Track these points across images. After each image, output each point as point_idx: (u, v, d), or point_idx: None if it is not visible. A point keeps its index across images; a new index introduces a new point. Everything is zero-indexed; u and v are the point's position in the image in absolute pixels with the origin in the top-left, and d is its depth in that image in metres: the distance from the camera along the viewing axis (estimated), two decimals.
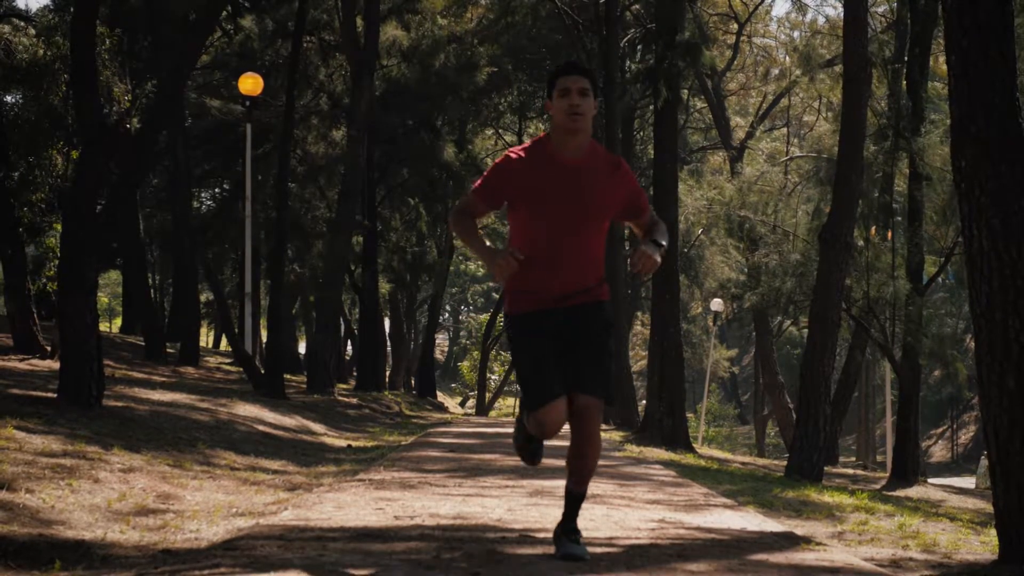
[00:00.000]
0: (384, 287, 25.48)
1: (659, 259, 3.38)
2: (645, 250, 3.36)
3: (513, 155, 3.48)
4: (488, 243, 3.60)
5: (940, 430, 40.57)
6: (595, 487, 5.96)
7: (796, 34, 31.84)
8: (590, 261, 3.49)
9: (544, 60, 24.89)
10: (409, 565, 3.18)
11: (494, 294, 49.89)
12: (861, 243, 12.95)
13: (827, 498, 6.71)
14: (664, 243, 3.47)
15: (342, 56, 20.25)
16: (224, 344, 30.35)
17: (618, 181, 3.48)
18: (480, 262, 3.51)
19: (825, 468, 11.37)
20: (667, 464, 9.11)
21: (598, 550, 3.62)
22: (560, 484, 6.34)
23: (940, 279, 18.39)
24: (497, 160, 3.53)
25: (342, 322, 23.72)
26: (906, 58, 13.74)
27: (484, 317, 39.90)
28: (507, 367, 34.80)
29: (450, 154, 22.66)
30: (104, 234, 15.71)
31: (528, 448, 3.64)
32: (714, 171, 29.89)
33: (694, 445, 15.68)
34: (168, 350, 16.55)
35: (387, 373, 26.04)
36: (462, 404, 39.39)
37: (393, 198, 24.49)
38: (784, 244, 15.19)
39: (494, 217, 31.98)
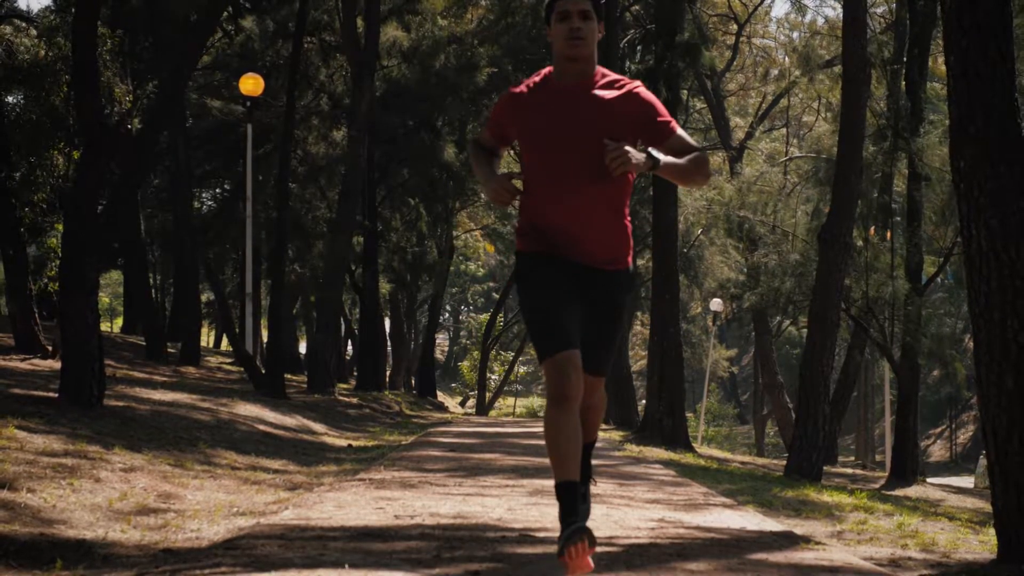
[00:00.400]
0: (384, 287, 25.48)
1: (636, 161, 2.89)
2: (628, 146, 2.91)
3: (515, 88, 3.27)
4: (493, 169, 3.28)
5: (939, 430, 40.57)
6: (594, 487, 5.98)
7: (795, 35, 31.85)
8: (604, 208, 3.08)
9: (544, 61, 24.93)
10: (410, 564, 3.20)
11: (494, 294, 49.90)
12: (860, 243, 12.98)
13: (826, 497, 6.72)
14: (661, 159, 2.96)
15: (343, 57, 20.26)
16: (225, 344, 30.36)
17: (625, 101, 3.06)
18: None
19: (824, 468, 11.38)
20: (667, 464, 9.12)
21: (598, 549, 3.63)
22: None
23: (939, 279, 18.44)
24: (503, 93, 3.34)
25: (342, 322, 23.74)
26: (905, 59, 13.76)
27: (484, 317, 39.92)
28: (507, 367, 34.75)
29: (450, 154, 22.67)
30: (105, 234, 15.72)
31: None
32: (713, 171, 29.92)
33: (694, 445, 15.69)
34: (169, 350, 16.57)
35: (387, 373, 26.05)
36: (462, 404, 39.39)
37: (393, 198, 24.50)
38: (783, 244, 15.22)
39: (493, 217, 31.98)
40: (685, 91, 23.92)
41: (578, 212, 3.07)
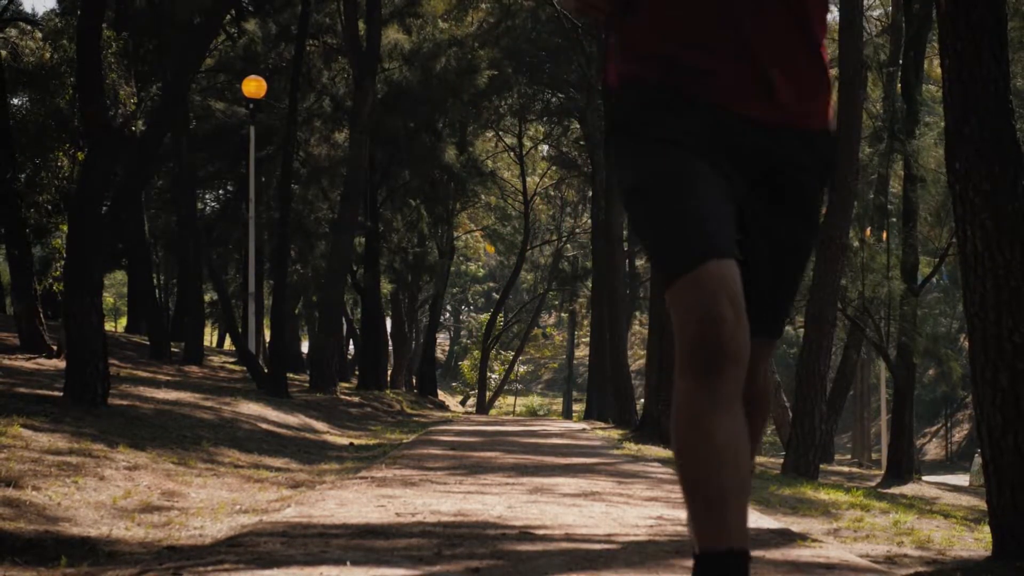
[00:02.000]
0: (386, 287, 25.54)
1: None
2: None
3: None
4: None
5: (935, 428, 40.58)
6: (594, 484, 6.02)
7: None
8: (795, 26, 1.70)
9: (544, 63, 25.02)
10: (411, 561, 3.22)
11: (494, 294, 49.93)
12: (857, 244, 13.02)
13: (823, 495, 6.75)
14: None
15: (345, 59, 20.32)
16: (228, 343, 30.43)
17: None
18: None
19: (821, 466, 11.41)
20: (665, 462, 9.14)
21: (597, 547, 3.68)
22: (561, 482, 6.41)
23: (934, 279, 18.49)
24: None
25: (344, 322, 23.79)
26: (901, 61, 13.80)
27: (484, 317, 39.94)
28: (507, 366, 34.74)
29: (451, 156, 22.73)
30: (109, 235, 15.81)
31: None
32: None
33: None
34: (173, 349, 16.64)
35: (389, 372, 26.10)
36: (463, 403, 39.44)
37: (395, 199, 24.56)
38: None
39: (493, 218, 31.94)
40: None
41: (756, 21, 1.67)
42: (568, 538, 3.86)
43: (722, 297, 1.57)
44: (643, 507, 5.04)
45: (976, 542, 4.91)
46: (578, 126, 26.01)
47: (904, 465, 13.18)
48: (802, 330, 11.46)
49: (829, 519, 5.49)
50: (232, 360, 18.56)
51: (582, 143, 25.85)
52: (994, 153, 4.20)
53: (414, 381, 30.45)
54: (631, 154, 1.71)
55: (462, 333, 57.24)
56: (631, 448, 11.32)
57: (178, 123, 16.66)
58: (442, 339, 56.89)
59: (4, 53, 10.98)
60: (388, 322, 28.42)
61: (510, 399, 43.96)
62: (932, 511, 7.67)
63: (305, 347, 27.17)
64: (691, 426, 1.55)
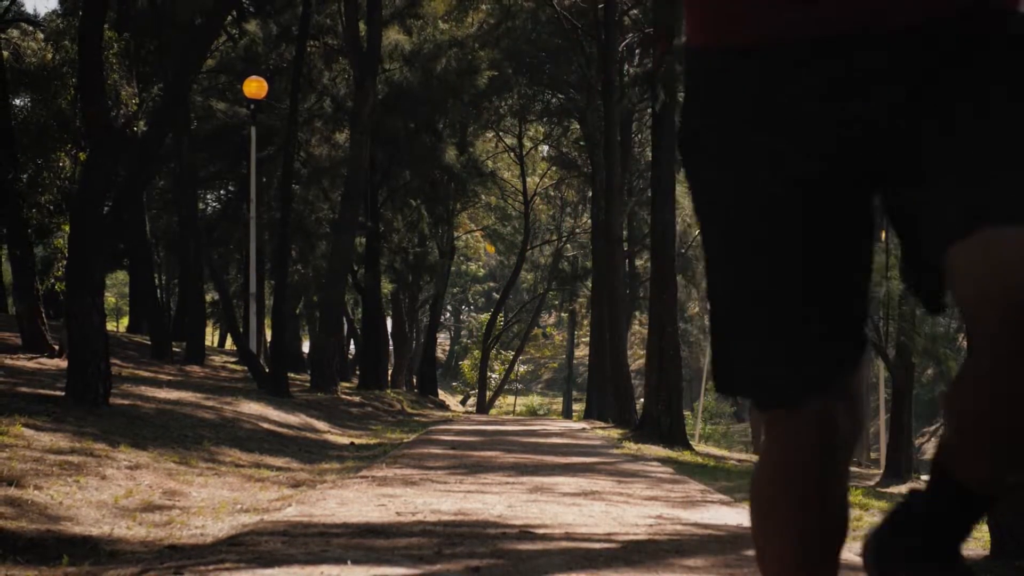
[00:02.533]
0: (386, 287, 25.55)
1: None
2: None
3: None
4: None
5: (933, 427, 40.59)
6: (593, 484, 6.04)
7: None
8: None
9: (544, 64, 25.06)
10: (411, 560, 3.24)
11: (494, 294, 49.90)
12: None
13: None
14: None
15: (345, 60, 20.35)
16: (229, 343, 30.45)
17: None
18: None
19: None
20: (664, 461, 9.17)
21: (596, 546, 3.70)
22: (561, 481, 6.43)
23: None
24: None
25: (345, 322, 23.82)
26: None
27: (484, 317, 39.95)
28: (507, 366, 34.74)
29: (451, 156, 22.75)
30: (111, 235, 15.83)
31: None
32: None
33: (691, 442, 15.75)
34: (174, 349, 16.66)
35: (389, 372, 26.12)
36: (463, 402, 39.45)
37: (395, 200, 24.58)
38: None
39: (494, 218, 31.96)
40: (683, 94, 24.01)
41: None
42: (568, 537, 3.88)
43: (814, 442, 1.20)
44: (643, 506, 5.07)
45: (974, 541, 4.92)
46: (578, 126, 26.04)
47: (903, 464, 13.21)
48: None
49: None
50: (233, 360, 18.58)
51: (582, 143, 25.87)
52: None
53: (414, 381, 30.48)
54: (704, 189, 1.21)
55: (462, 333, 57.26)
56: (631, 447, 11.35)
57: (179, 123, 16.68)
58: (442, 339, 56.91)
59: (6, 54, 11.02)
60: (389, 322, 28.43)
61: (510, 399, 43.97)
62: None
63: (306, 347, 27.19)
64: (769, 503, 1.26)
